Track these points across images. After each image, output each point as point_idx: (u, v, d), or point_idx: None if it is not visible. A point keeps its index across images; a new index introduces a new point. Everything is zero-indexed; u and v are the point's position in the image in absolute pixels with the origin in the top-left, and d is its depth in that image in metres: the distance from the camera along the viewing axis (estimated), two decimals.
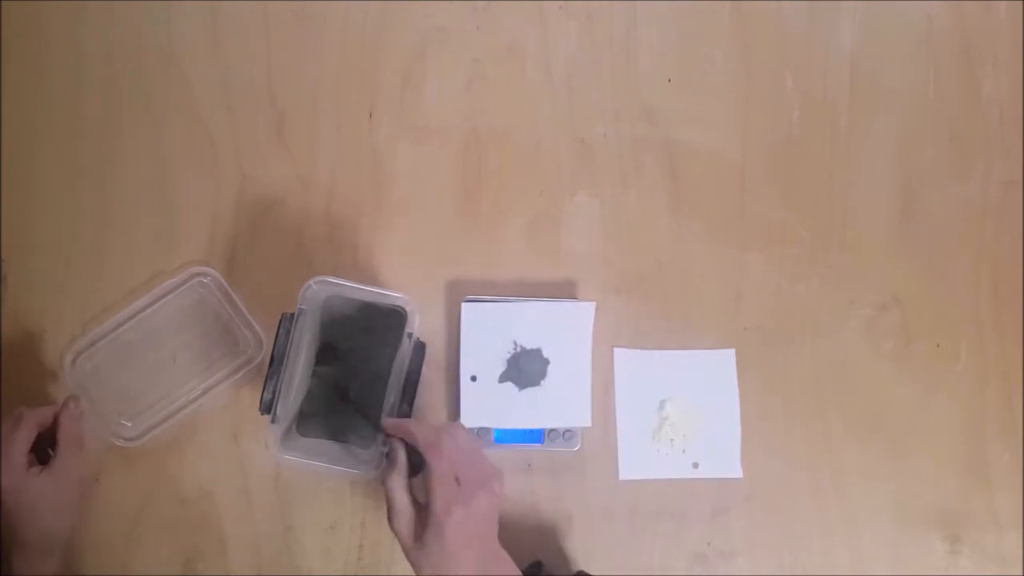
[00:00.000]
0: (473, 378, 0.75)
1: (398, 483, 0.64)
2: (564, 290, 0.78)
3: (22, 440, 0.66)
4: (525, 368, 0.75)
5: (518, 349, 0.76)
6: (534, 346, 0.76)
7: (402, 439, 0.65)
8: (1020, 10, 0.84)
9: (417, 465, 0.65)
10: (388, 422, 0.67)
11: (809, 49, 0.82)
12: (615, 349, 0.77)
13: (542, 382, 0.75)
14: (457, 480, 0.62)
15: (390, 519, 0.63)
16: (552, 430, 0.75)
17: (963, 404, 0.78)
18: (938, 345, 0.79)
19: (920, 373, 0.79)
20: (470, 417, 0.74)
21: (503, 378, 0.75)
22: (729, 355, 0.78)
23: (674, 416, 0.76)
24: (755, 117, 0.81)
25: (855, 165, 0.81)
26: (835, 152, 0.81)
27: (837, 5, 0.83)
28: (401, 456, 0.65)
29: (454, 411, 0.75)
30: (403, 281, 0.77)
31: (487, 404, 0.75)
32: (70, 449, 0.68)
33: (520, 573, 0.66)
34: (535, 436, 0.75)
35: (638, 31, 0.82)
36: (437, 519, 0.61)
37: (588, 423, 0.75)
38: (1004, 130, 0.82)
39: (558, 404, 0.75)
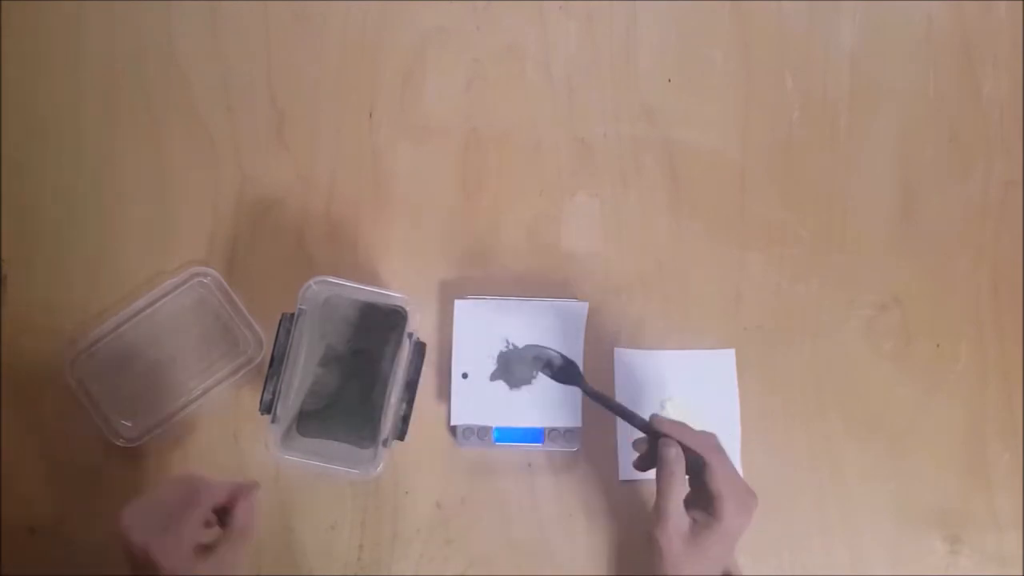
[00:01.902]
0: (464, 375, 0.75)
1: (677, 486, 0.63)
2: (564, 290, 0.78)
3: (196, 523, 0.59)
4: (517, 366, 0.75)
5: (510, 347, 0.76)
6: (527, 344, 0.76)
7: (678, 441, 0.64)
8: (1020, 10, 0.84)
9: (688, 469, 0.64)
10: (662, 422, 0.66)
11: (809, 49, 0.82)
12: (615, 349, 0.77)
13: (534, 381, 0.76)
14: (736, 492, 0.62)
15: (659, 525, 0.62)
16: (553, 430, 0.75)
17: (963, 404, 0.78)
18: (938, 345, 0.79)
19: (920, 373, 0.79)
20: (461, 414, 0.74)
21: (494, 376, 0.75)
22: (729, 355, 0.78)
23: (674, 416, 0.76)
24: (755, 117, 0.81)
25: (855, 165, 0.81)
26: (835, 152, 0.81)
27: (837, 5, 0.83)
28: (681, 458, 0.63)
29: (447, 408, 0.75)
30: (403, 281, 0.77)
31: (478, 402, 0.75)
32: (240, 539, 0.61)
33: None
34: (535, 436, 0.75)
35: (638, 31, 0.82)
36: (727, 524, 0.61)
37: (579, 423, 0.75)
38: (1004, 130, 0.82)
39: (549, 403, 0.75)
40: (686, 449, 0.64)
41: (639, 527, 0.75)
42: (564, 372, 0.73)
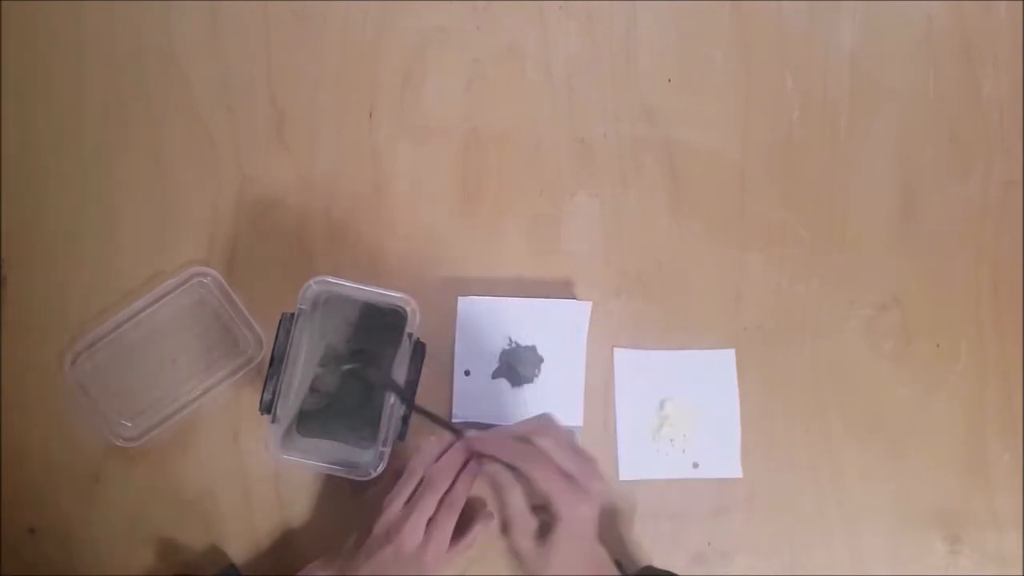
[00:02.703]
0: (467, 372, 0.75)
1: (511, 495, 0.62)
2: (564, 290, 0.78)
3: (448, 531, 0.65)
4: (519, 365, 0.76)
5: (512, 345, 0.76)
6: (529, 343, 0.76)
7: (493, 457, 0.64)
8: (1020, 10, 0.84)
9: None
10: (476, 441, 0.66)
11: (809, 49, 0.82)
12: (615, 349, 0.77)
13: (536, 379, 0.76)
14: (568, 476, 0.62)
15: (506, 532, 0.63)
16: (570, 433, 0.75)
17: (963, 404, 0.78)
18: (938, 345, 0.79)
19: (920, 373, 0.79)
20: (462, 412, 0.75)
21: (496, 374, 0.76)
22: (729, 355, 0.78)
23: (674, 416, 0.76)
24: (755, 117, 0.81)
25: (855, 165, 0.81)
26: (835, 152, 0.81)
27: (837, 5, 0.83)
28: (504, 471, 0.63)
29: (448, 407, 0.75)
30: (403, 281, 0.77)
31: (480, 399, 0.75)
32: (459, 552, 0.69)
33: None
34: None
35: (638, 31, 0.82)
36: (566, 520, 0.61)
37: (580, 422, 0.75)
38: (1004, 130, 0.82)
39: (551, 402, 0.75)
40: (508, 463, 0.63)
41: (639, 527, 0.75)
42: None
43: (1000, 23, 0.84)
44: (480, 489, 0.74)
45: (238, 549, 0.74)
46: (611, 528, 0.75)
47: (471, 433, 0.67)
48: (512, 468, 0.63)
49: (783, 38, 0.82)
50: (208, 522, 0.74)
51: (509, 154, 0.80)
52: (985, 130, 0.82)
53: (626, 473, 0.76)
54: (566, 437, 0.65)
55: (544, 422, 0.66)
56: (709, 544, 0.75)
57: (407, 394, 0.68)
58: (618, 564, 0.70)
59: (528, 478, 0.62)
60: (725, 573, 0.75)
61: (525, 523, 0.63)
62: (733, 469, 0.76)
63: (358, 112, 0.79)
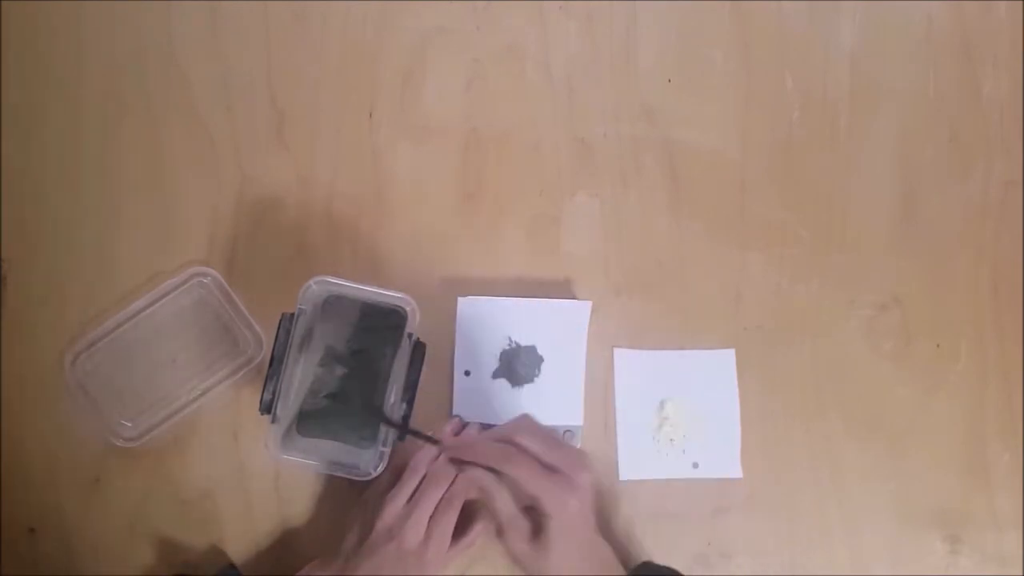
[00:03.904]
0: (467, 372, 0.75)
1: (500, 499, 0.62)
2: (564, 290, 0.78)
3: (450, 528, 0.66)
4: (519, 365, 0.76)
5: (512, 345, 0.76)
6: (529, 343, 0.76)
7: (471, 462, 0.64)
8: (1020, 10, 0.84)
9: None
10: (450, 451, 0.66)
11: (809, 49, 0.82)
12: (615, 349, 0.77)
13: (536, 379, 0.76)
14: (553, 470, 0.62)
15: (501, 536, 0.63)
16: (552, 429, 0.75)
17: (963, 404, 0.78)
18: (938, 345, 0.79)
19: (920, 373, 0.79)
20: (462, 412, 0.75)
21: (496, 374, 0.76)
22: (729, 355, 0.78)
23: (674, 416, 0.76)
24: (755, 117, 0.81)
25: (855, 165, 0.81)
26: (835, 152, 0.81)
27: (837, 5, 0.83)
28: (487, 474, 0.63)
29: (450, 411, 0.75)
30: (403, 281, 0.77)
31: (480, 399, 0.75)
32: (460, 550, 0.69)
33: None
34: None
35: (638, 31, 0.82)
36: (556, 516, 0.61)
37: (580, 422, 0.75)
38: (1004, 130, 0.82)
39: (551, 402, 0.75)
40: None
41: (639, 527, 0.75)
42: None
43: (1000, 23, 0.84)
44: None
45: (238, 549, 0.74)
46: (611, 528, 0.75)
47: (449, 441, 0.67)
48: (495, 471, 0.63)
49: (783, 38, 0.82)
50: (208, 522, 0.74)
51: (509, 154, 0.80)
52: (985, 130, 0.82)
53: (626, 473, 0.76)
54: (546, 432, 0.65)
55: (522, 421, 0.65)
56: (709, 544, 0.75)
57: (384, 417, 0.68)
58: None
59: (512, 479, 0.62)
60: (725, 573, 0.75)
61: (517, 526, 0.63)
62: (733, 469, 0.76)
63: (358, 112, 0.79)
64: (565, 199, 0.79)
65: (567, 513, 0.62)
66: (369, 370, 0.73)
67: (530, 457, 0.62)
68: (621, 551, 0.74)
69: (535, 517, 0.63)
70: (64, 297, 0.75)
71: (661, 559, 0.74)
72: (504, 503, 0.63)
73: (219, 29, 0.79)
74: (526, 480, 0.62)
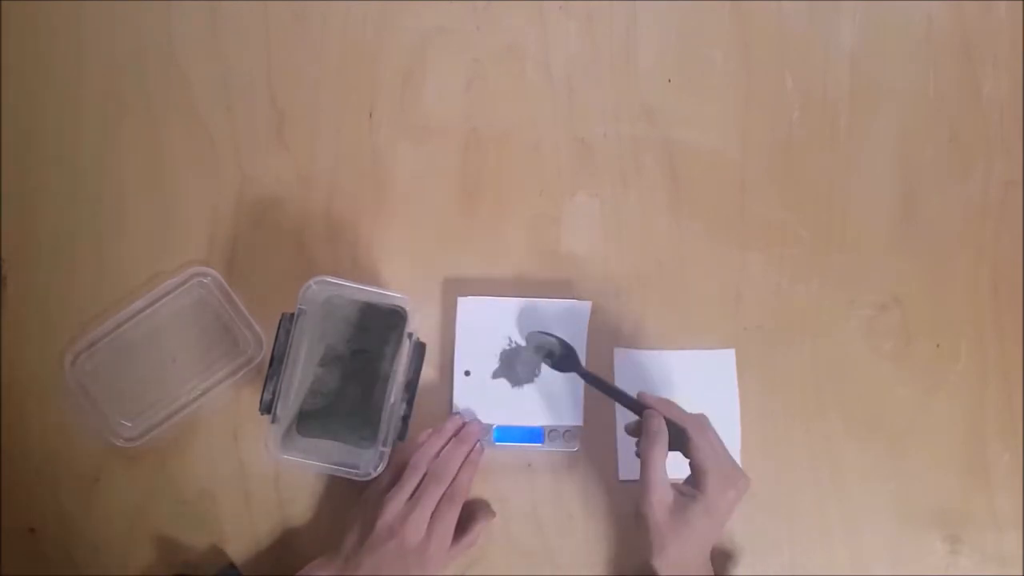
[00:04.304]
0: (467, 373, 0.75)
1: (660, 457, 0.64)
2: (564, 290, 0.78)
3: (451, 526, 0.67)
4: (519, 365, 0.76)
5: (512, 345, 0.76)
6: (530, 332, 0.76)
7: (662, 415, 0.66)
8: (1020, 10, 0.84)
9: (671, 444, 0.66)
10: (647, 397, 0.68)
11: (809, 49, 0.82)
12: (615, 349, 0.77)
13: (536, 379, 0.76)
14: (721, 467, 0.64)
15: (644, 495, 0.64)
16: (552, 430, 0.75)
17: (963, 404, 0.78)
18: (938, 345, 0.79)
19: (920, 373, 0.79)
20: (462, 412, 0.75)
21: (496, 374, 0.76)
22: (729, 355, 0.78)
23: None
24: (755, 117, 0.81)
25: (855, 165, 0.81)
26: (835, 152, 0.81)
27: (837, 5, 0.83)
28: (664, 431, 0.65)
29: (449, 409, 0.75)
30: (403, 281, 0.77)
31: (480, 399, 0.75)
32: (463, 549, 0.70)
33: None
34: (535, 436, 0.75)
35: (638, 31, 0.82)
36: (711, 498, 0.62)
37: (580, 422, 0.75)
38: (1004, 130, 0.82)
39: (551, 402, 0.75)
40: (670, 423, 0.65)
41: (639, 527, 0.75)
42: (564, 360, 0.74)
43: (1000, 23, 0.84)
44: (480, 489, 0.74)
45: (238, 549, 0.74)
46: (609, 528, 0.75)
47: (642, 392, 0.69)
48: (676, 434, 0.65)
49: (783, 38, 0.82)
50: (208, 522, 0.74)
51: (509, 154, 0.80)
52: (985, 130, 0.82)
53: (626, 473, 0.76)
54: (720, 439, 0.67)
55: (702, 420, 0.67)
56: None
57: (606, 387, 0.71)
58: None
59: (692, 444, 0.64)
60: (725, 573, 0.75)
61: (664, 491, 0.64)
62: None
63: (358, 112, 0.79)
64: (565, 199, 0.79)
65: (722, 500, 0.64)
66: (369, 370, 0.73)
67: (716, 437, 0.65)
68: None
69: (678, 493, 0.64)
70: (64, 297, 0.75)
71: None
72: (661, 461, 0.64)
73: (219, 29, 0.79)
74: (705, 450, 0.64)
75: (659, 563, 0.64)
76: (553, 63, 0.81)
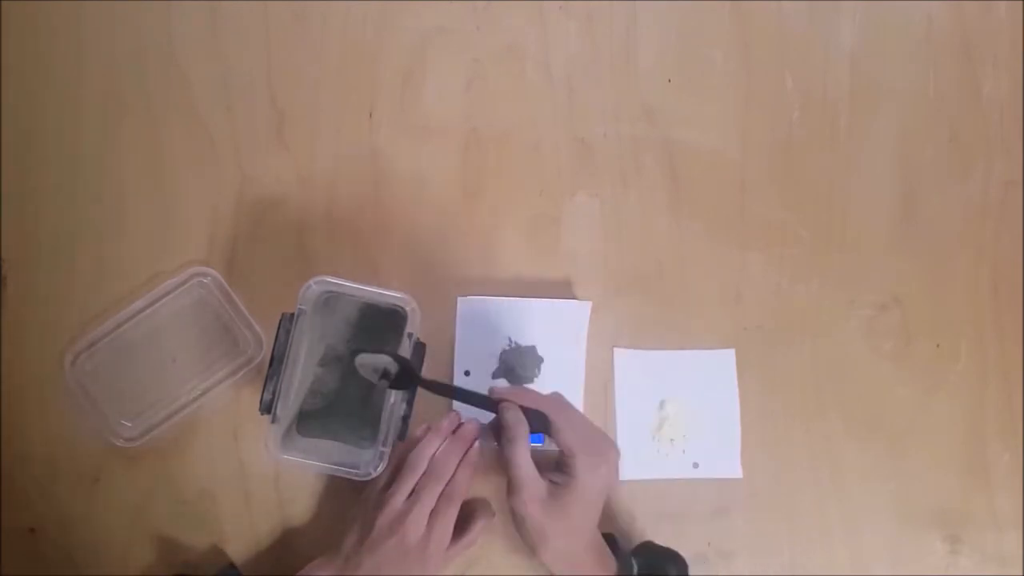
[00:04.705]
0: (467, 373, 0.75)
1: (522, 451, 0.63)
2: (564, 290, 0.78)
3: (450, 524, 0.66)
4: (519, 365, 0.76)
5: (512, 345, 0.76)
6: (529, 343, 0.76)
7: (517, 405, 0.65)
8: (1020, 10, 0.84)
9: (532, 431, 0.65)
10: (497, 390, 0.66)
11: (809, 49, 0.82)
12: (615, 349, 0.77)
13: (536, 379, 0.76)
14: (588, 445, 0.63)
15: (514, 494, 0.63)
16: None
17: (963, 404, 0.78)
18: (938, 345, 0.79)
19: (920, 373, 0.79)
20: (462, 411, 0.74)
21: (496, 374, 0.76)
22: (729, 355, 0.78)
23: (674, 416, 0.76)
24: (755, 117, 0.81)
25: (855, 165, 0.81)
26: (835, 152, 0.81)
27: (837, 5, 0.83)
28: (521, 423, 0.64)
29: (448, 406, 0.75)
30: (403, 281, 0.77)
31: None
32: (463, 548, 0.69)
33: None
34: (536, 436, 0.75)
35: (638, 31, 0.82)
36: (582, 480, 0.61)
37: None
38: (1004, 130, 0.82)
39: None
40: (528, 411, 0.64)
41: (639, 527, 0.75)
42: (401, 378, 0.67)
43: (1000, 23, 0.84)
44: (480, 488, 0.74)
45: (238, 549, 0.74)
46: (609, 528, 0.75)
47: (498, 392, 0.67)
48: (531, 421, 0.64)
49: (783, 38, 0.82)
50: (208, 522, 0.74)
51: (509, 154, 0.80)
52: (985, 130, 0.82)
53: (626, 473, 0.76)
54: (579, 411, 0.66)
55: (559, 399, 0.67)
56: (709, 544, 0.75)
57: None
58: (612, 538, 0.71)
59: (554, 427, 0.63)
60: (725, 573, 0.75)
61: (535, 486, 0.63)
62: (733, 469, 0.76)
63: (358, 112, 0.79)
64: (565, 199, 0.79)
65: (592, 480, 0.62)
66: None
67: (575, 415, 0.64)
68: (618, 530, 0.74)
69: (549, 482, 0.64)
70: (64, 297, 0.75)
71: None
72: (526, 458, 0.63)
73: (219, 29, 0.79)
74: (568, 431, 0.63)
75: (546, 558, 0.64)
76: (553, 63, 0.81)
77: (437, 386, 0.68)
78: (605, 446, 0.65)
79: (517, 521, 0.65)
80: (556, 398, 0.66)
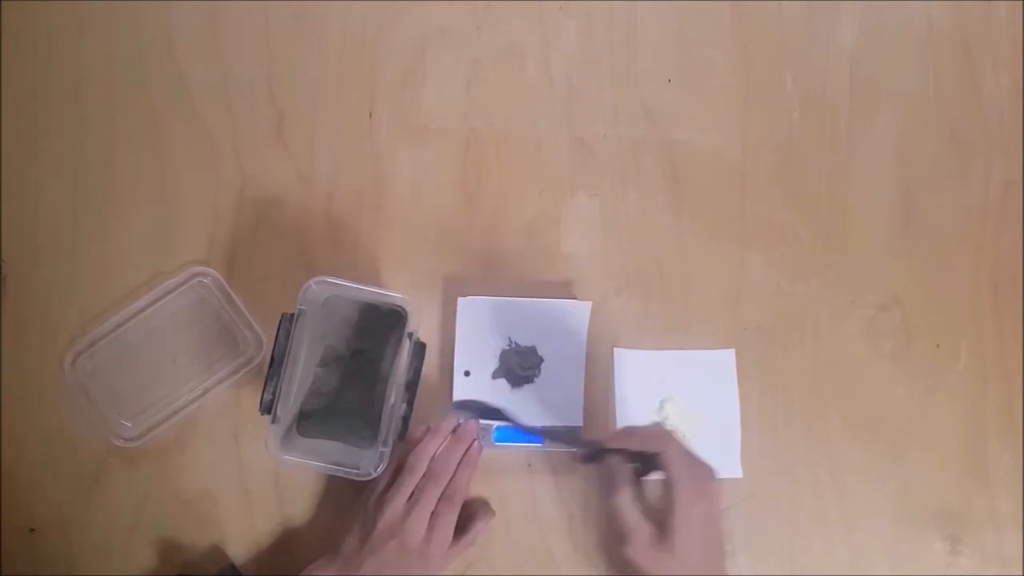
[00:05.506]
0: (467, 373, 0.75)
1: (626, 499, 0.64)
2: (564, 290, 0.78)
3: (451, 525, 0.67)
4: (519, 365, 0.76)
5: (512, 345, 0.76)
6: (529, 344, 0.76)
7: (618, 450, 0.65)
8: (1020, 10, 0.84)
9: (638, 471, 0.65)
10: (606, 438, 0.67)
11: (809, 49, 0.82)
12: (615, 349, 0.77)
13: (536, 379, 0.76)
14: (691, 477, 0.63)
15: (625, 543, 0.63)
16: (553, 430, 0.75)
17: (963, 404, 0.78)
18: (938, 345, 0.79)
19: (920, 373, 0.79)
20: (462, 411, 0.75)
21: (496, 374, 0.76)
22: (729, 355, 0.78)
23: (674, 416, 0.76)
24: (755, 117, 0.81)
25: (855, 165, 0.81)
26: (835, 152, 0.81)
27: (837, 5, 0.83)
28: (624, 470, 0.64)
29: (448, 407, 0.75)
30: (403, 281, 0.77)
31: (480, 400, 0.75)
32: (463, 548, 0.70)
33: None
34: (535, 436, 0.75)
35: (638, 31, 0.82)
36: (682, 517, 0.61)
37: (580, 422, 0.75)
38: (1004, 130, 0.82)
39: (551, 402, 0.75)
40: (636, 453, 0.65)
41: None
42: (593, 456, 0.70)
43: (1000, 23, 0.84)
44: (480, 489, 0.74)
45: (238, 549, 0.74)
46: (609, 529, 0.75)
47: (606, 437, 0.67)
48: (638, 464, 0.64)
49: (783, 38, 0.82)
50: (208, 522, 0.74)
51: (509, 154, 0.80)
52: (985, 130, 0.82)
53: None
54: (683, 443, 0.66)
55: (663, 433, 0.66)
56: None
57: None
58: None
59: (665, 462, 0.63)
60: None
61: (642, 531, 0.63)
62: (733, 469, 0.76)
63: (358, 112, 0.79)
64: (565, 199, 0.79)
65: (695, 512, 0.62)
66: (369, 370, 0.73)
67: (679, 452, 0.64)
68: None
69: (655, 524, 0.63)
70: (64, 297, 0.75)
71: None
72: (630, 505, 0.64)
73: (219, 29, 0.79)
74: (673, 460, 0.63)
75: None
76: (553, 63, 0.81)
77: (593, 448, 0.69)
78: (704, 477, 0.65)
79: (629, 566, 0.64)
80: (660, 433, 0.66)
